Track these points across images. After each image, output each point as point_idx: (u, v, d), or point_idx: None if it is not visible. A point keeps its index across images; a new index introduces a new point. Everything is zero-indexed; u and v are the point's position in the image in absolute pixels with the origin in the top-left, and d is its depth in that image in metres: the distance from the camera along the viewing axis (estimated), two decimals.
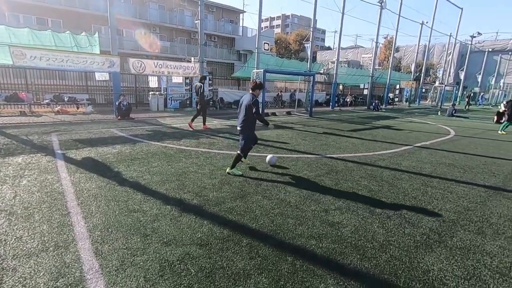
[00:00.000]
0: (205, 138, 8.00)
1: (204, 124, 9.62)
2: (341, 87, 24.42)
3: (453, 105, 19.21)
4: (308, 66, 17.25)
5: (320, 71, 25.68)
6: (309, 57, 17.22)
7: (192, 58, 13.94)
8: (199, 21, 12.06)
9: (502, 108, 13.15)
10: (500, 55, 48.29)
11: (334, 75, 19.45)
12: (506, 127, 11.73)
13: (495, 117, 15.67)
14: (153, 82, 15.66)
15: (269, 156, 5.64)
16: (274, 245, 2.83)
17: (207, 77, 10.71)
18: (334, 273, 2.45)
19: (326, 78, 22.34)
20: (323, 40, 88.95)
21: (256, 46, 14.89)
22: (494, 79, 43.15)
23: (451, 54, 47.23)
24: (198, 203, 3.72)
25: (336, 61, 19.64)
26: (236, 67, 28.77)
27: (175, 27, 30.65)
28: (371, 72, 22.61)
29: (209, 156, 6.06)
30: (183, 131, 8.94)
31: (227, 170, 4.93)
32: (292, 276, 2.38)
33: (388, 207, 3.88)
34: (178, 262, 2.49)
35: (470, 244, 3.03)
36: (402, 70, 43.48)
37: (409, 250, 2.85)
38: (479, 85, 41.55)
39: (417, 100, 29.55)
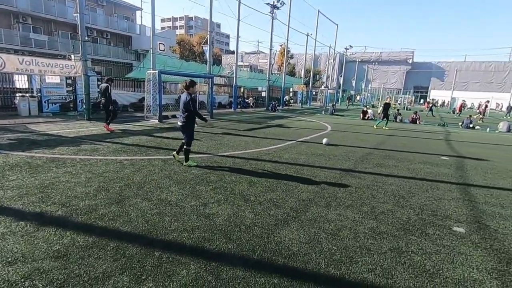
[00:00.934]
0: (87, 144, 7.21)
1: (107, 125, 9.11)
2: (242, 89, 25.71)
3: (333, 105, 22.83)
4: (208, 69, 17.53)
5: (222, 74, 26.44)
6: (208, 60, 17.51)
7: (73, 56, 12.27)
8: (78, 14, 10.70)
9: (380, 109, 15.80)
10: (367, 65, 59.94)
11: (234, 78, 20.35)
12: (382, 123, 14.33)
13: (361, 115, 19.40)
14: (21, 82, 13.02)
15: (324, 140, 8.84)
16: (144, 244, 2.85)
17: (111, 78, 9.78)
18: (198, 258, 2.65)
19: (227, 81, 23.18)
20: (228, 44, 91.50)
21: (151, 46, 14.23)
22: (364, 84, 53.15)
23: (334, 63, 55.85)
24: (64, 214, 3.38)
25: (235, 64, 20.59)
26: (135, 67, 26.76)
27: (54, 19, 26.33)
28: (267, 76, 24.59)
29: (89, 163, 5.52)
30: (60, 138, 7.81)
31: (184, 163, 5.60)
32: (156, 269, 2.46)
33: (262, 194, 4.38)
34: (23, 280, 2.24)
35: (318, 215, 3.74)
36: (296, 75, 48.85)
37: (269, 228, 3.32)
38: (354, 88, 50.37)
39: (309, 101, 33.72)
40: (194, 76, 15.46)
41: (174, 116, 14.70)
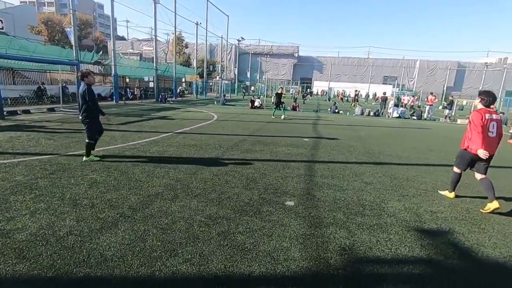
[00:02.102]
0: None
1: None
2: (127, 80, 23.23)
3: (224, 95, 23.23)
4: (75, 55, 14.91)
5: (103, 62, 23.16)
6: (74, 44, 14.87)
7: None
8: None
9: (273, 99, 16.23)
10: (260, 57, 63.62)
11: (113, 66, 18.07)
12: (280, 112, 14.76)
13: (250, 104, 20.40)
14: None
15: None
16: None
17: None
18: None
19: (102, 69, 20.44)
20: (116, 29, 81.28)
21: None
22: (258, 75, 56.31)
23: (230, 54, 56.98)
24: None
25: (112, 51, 18.25)
26: None
27: None
28: (154, 65, 22.92)
29: None
30: None
31: (84, 158, 5.33)
32: None
33: (101, 195, 3.85)
34: None
35: (158, 210, 3.51)
36: (192, 65, 47.57)
37: (89, 235, 2.89)
38: (249, 79, 52.77)
39: (204, 92, 33.40)
40: (50, 62, 12.92)
41: (27, 112, 12.00)
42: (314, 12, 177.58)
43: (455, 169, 4.38)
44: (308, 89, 52.85)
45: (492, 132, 3.98)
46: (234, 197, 4.05)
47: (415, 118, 18.42)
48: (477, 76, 55.15)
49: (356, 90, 30.79)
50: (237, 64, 47.34)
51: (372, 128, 13.23)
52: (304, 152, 7.24)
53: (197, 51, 32.27)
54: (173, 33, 41.71)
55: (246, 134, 9.33)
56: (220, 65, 40.66)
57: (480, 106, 4.12)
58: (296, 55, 65.62)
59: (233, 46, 54.22)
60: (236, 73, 47.61)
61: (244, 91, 40.49)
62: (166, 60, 45.09)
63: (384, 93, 21.84)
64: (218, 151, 6.77)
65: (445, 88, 52.86)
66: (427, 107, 19.22)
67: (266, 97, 24.97)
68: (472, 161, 4.14)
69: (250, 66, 52.45)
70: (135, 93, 21.92)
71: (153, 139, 7.86)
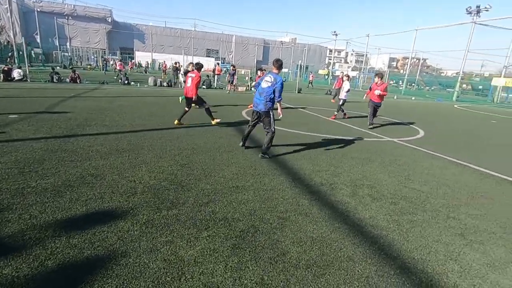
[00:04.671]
0: None
1: None
2: None
3: None
4: None
5: None
6: None
7: None
8: None
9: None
10: (62, 19, 51.06)
11: None
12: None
13: (2, 75, 15.56)
14: None
15: None
16: None
17: None
18: None
19: None
20: None
21: None
22: (57, 41, 45.34)
23: (10, 9, 42.30)
24: None
25: None
26: None
27: None
28: None
29: None
30: None
31: None
32: None
33: None
34: None
35: None
36: None
37: None
38: (40, 45, 41.66)
39: None
40: None
41: None
42: None
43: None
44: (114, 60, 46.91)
45: None
46: None
47: (205, 87, 19.80)
48: (277, 52, 67.21)
49: (175, 62, 29.98)
50: (19, 25, 35.77)
51: (138, 98, 12.78)
52: None
53: None
54: None
55: None
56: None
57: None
58: (110, 20, 57.17)
59: (14, 2, 40.49)
60: (21, 38, 35.99)
61: (10, 59, 27.93)
62: None
63: (175, 63, 22.18)
64: None
65: (255, 62, 61.53)
66: (216, 77, 21.14)
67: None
68: None
69: (38, 27, 41.17)
70: None
71: None
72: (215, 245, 2.58)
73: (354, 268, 2.44)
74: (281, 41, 66.64)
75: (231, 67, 17.89)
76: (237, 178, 4.22)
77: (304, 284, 2.21)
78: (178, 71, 20.35)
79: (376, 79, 9.32)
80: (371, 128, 9.32)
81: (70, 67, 25.05)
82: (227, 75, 18.91)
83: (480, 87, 41.32)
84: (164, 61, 46.54)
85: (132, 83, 18.93)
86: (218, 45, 64.90)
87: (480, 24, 27.83)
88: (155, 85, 19.05)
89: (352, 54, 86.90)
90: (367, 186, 4.34)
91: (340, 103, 10.98)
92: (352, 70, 71.26)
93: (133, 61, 54.68)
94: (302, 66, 50.31)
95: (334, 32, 49.63)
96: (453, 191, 4.47)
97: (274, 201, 3.60)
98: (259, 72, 11.09)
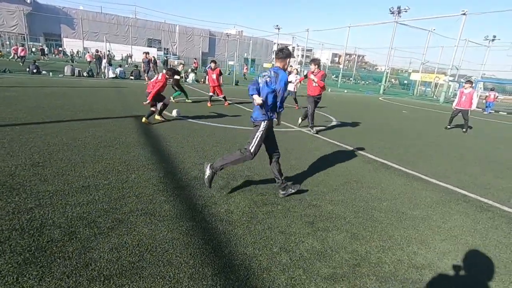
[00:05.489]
0: None
1: None
2: None
3: None
4: None
5: None
6: None
7: None
8: None
9: None
10: None
11: None
12: None
13: None
14: None
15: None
16: None
17: None
18: None
19: None
20: None
21: None
22: None
23: None
24: None
25: None
26: None
27: None
28: None
29: None
30: None
31: None
32: None
33: None
34: None
35: None
36: None
37: None
38: None
39: None
40: None
41: None
42: None
43: None
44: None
45: None
46: None
47: (132, 78, 18.36)
48: (224, 44, 66.04)
49: (96, 50, 27.23)
50: None
51: (37, 89, 11.22)
52: None
53: None
54: None
55: None
56: None
57: None
58: (29, 1, 49.98)
59: None
60: None
61: None
62: None
63: (97, 51, 20.24)
64: None
65: (200, 54, 59.60)
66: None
67: None
68: None
69: None
70: None
71: None
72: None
73: (170, 272, 2.16)
74: (227, 34, 65.60)
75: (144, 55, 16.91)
76: (95, 176, 3.70)
77: None
78: (101, 60, 18.48)
79: (312, 67, 7.74)
80: (316, 133, 7.81)
81: None
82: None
83: (405, 82, 45.87)
84: (97, 50, 42.34)
85: (44, 72, 16.63)
86: (160, 34, 61.37)
87: (401, 24, 30.59)
88: (73, 74, 17.02)
89: (297, 48, 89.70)
90: (245, 176, 4.17)
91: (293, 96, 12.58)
92: (299, 64, 73.64)
93: (60, 48, 49.12)
94: (249, 59, 50.38)
95: (277, 26, 50.31)
96: (330, 177, 4.55)
97: (124, 200, 3.18)
98: (212, 65, 10.77)
